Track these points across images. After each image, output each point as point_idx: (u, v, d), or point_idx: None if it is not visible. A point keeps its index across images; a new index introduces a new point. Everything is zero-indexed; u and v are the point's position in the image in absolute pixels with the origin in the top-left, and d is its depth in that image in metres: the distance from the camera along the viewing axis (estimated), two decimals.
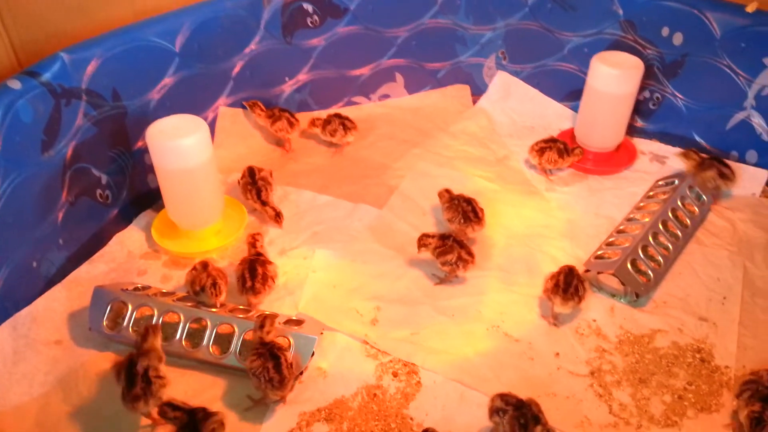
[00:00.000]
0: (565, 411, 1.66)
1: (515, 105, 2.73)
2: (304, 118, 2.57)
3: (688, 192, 2.20)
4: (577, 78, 2.60)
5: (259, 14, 2.39)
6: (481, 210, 2.11)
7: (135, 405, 1.54)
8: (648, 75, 2.42)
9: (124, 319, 1.76)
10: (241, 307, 1.85)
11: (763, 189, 2.32)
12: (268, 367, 1.59)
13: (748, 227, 2.17)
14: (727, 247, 2.10)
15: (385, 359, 1.78)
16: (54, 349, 1.79)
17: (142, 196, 2.25)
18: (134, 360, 1.56)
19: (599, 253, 2.02)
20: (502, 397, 1.53)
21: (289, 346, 1.69)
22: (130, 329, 1.76)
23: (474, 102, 2.79)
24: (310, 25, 2.52)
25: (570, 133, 2.57)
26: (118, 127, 2.13)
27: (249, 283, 1.85)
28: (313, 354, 1.74)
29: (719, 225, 2.19)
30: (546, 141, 2.40)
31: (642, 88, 2.44)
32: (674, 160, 2.41)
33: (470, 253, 1.95)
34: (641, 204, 2.22)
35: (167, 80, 2.23)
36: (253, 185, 2.18)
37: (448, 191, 2.17)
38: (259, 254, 1.95)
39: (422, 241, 1.98)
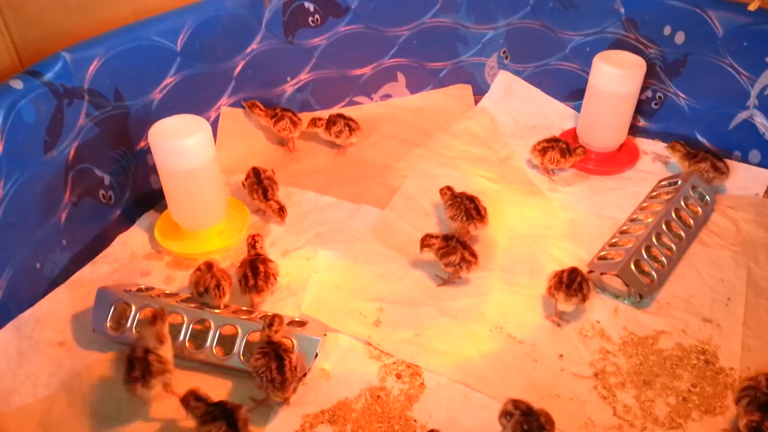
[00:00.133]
0: (569, 413, 1.66)
1: (517, 105, 2.73)
2: (306, 118, 2.56)
3: (691, 192, 2.20)
4: (579, 77, 2.59)
5: (260, 13, 2.39)
6: (484, 208, 2.11)
7: (133, 387, 1.56)
8: (650, 74, 2.42)
9: (127, 320, 1.76)
10: (244, 308, 1.85)
11: (766, 189, 2.31)
12: (272, 367, 1.59)
13: (752, 227, 2.17)
14: (730, 248, 2.10)
15: (389, 361, 1.78)
16: (57, 351, 1.79)
17: (144, 197, 2.25)
18: (134, 344, 1.59)
19: (602, 253, 2.02)
20: (515, 402, 1.52)
21: (293, 347, 1.69)
22: (134, 330, 1.76)
23: (476, 102, 2.79)
24: (311, 24, 2.51)
25: (572, 133, 2.57)
26: (120, 128, 2.13)
27: (252, 282, 1.85)
28: (316, 355, 1.74)
29: (722, 225, 2.19)
30: (548, 141, 2.39)
31: (644, 87, 2.43)
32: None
33: (473, 254, 1.95)
34: (644, 204, 2.22)
35: (169, 80, 2.23)
36: (260, 185, 2.17)
37: (449, 188, 2.17)
38: (259, 254, 1.95)
39: (425, 241, 1.97)
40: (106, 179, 2.12)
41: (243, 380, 1.71)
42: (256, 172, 2.21)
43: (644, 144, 2.54)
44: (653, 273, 1.95)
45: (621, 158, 2.48)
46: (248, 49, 2.42)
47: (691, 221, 2.14)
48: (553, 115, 2.69)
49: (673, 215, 2.11)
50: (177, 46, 2.21)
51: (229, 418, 1.49)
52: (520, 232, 2.17)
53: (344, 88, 2.70)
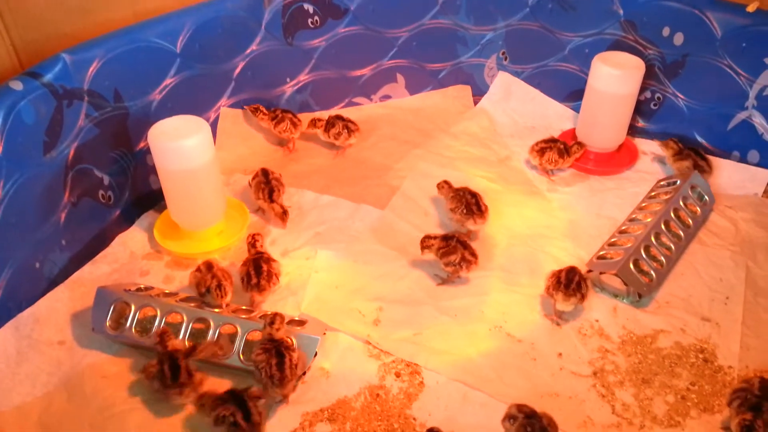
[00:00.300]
0: (568, 411, 1.66)
1: (516, 105, 2.74)
2: (305, 119, 2.57)
3: (690, 192, 2.20)
4: (578, 78, 2.60)
5: (259, 15, 2.40)
6: (485, 205, 2.12)
7: (175, 393, 1.60)
8: (649, 75, 2.42)
9: (127, 319, 1.76)
10: (243, 307, 1.85)
11: (765, 189, 2.32)
12: (272, 363, 1.60)
13: (751, 227, 2.17)
14: (729, 247, 2.10)
15: (388, 359, 1.78)
16: (57, 350, 1.79)
17: (144, 197, 2.26)
18: (176, 355, 1.62)
19: (601, 253, 2.02)
20: (519, 406, 1.51)
21: (294, 345, 1.69)
22: (133, 330, 1.76)
23: (475, 102, 2.80)
24: (310, 25, 2.52)
25: (571, 134, 2.57)
26: (119, 128, 2.13)
27: (254, 280, 1.86)
28: (315, 354, 1.74)
29: (721, 225, 2.19)
30: (546, 141, 2.40)
31: (643, 88, 2.44)
32: None
33: (473, 254, 1.95)
34: (643, 204, 2.22)
35: (169, 81, 2.23)
36: (267, 184, 2.18)
37: (447, 182, 2.19)
38: (261, 253, 1.95)
39: (425, 242, 1.98)
40: (106, 180, 2.13)
41: (243, 379, 1.71)
42: (264, 173, 2.21)
43: (643, 144, 2.54)
44: (652, 272, 1.95)
45: (620, 159, 2.49)
46: (248, 51, 2.43)
47: (690, 221, 2.14)
48: (552, 116, 2.70)
49: (672, 215, 2.11)
50: (177, 48, 2.22)
51: (238, 401, 1.52)
52: (520, 232, 2.18)
53: (344, 89, 2.71)
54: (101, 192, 2.12)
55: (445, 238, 1.97)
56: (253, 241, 1.98)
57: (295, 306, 1.90)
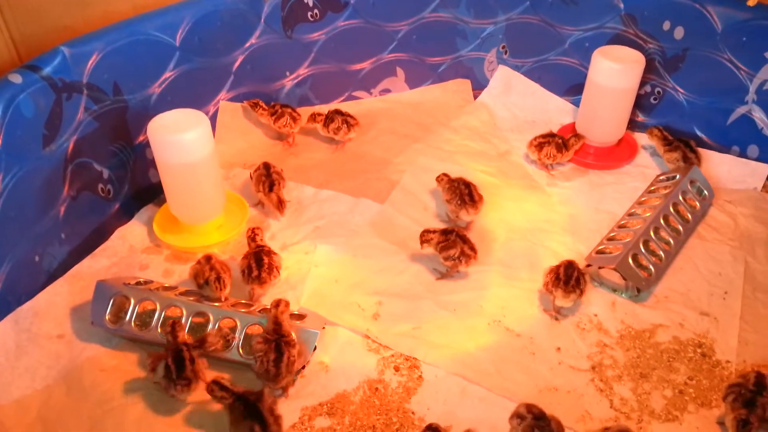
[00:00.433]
0: (567, 405, 1.66)
1: (516, 99, 2.73)
2: (304, 112, 2.57)
3: (689, 187, 2.20)
4: (579, 72, 2.60)
5: (259, 8, 2.39)
6: (479, 195, 2.12)
7: (188, 387, 1.60)
8: (649, 69, 2.42)
9: (126, 313, 1.77)
10: (243, 301, 1.86)
11: (764, 184, 2.32)
12: (270, 358, 1.61)
13: (750, 222, 2.17)
14: (728, 242, 2.10)
15: (387, 354, 1.78)
16: (56, 343, 1.79)
17: (143, 191, 2.25)
18: (181, 349, 1.61)
19: (600, 247, 2.02)
20: (528, 406, 1.51)
21: (295, 342, 1.69)
22: (133, 323, 1.76)
23: (475, 96, 2.79)
24: (310, 19, 2.51)
25: (571, 128, 2.56)
26: (119, 122, 2.13)
27: (255, 273, 1.86)
28: (315, 348, 1.75)
29: (720, 220, 2.19)
30: (544, 136, 2.40)
31: (643, 82, 2.44)
32: None
33: (473, 248, 1.95)
34: (642, 199, 2.22)
35: (168, 74, 2.23)
36: (268, 177, 2.18)
37: (446, 175, 2.20)
38: (261, 246, 1.95)
39: (424, 236, 1.98)
40: (105, 173, 2.13)
41: (242, 372, 1.71)
42: (266, 166, 2.21)
43: (643, 139, 2.54)
44: (651, 267, 1.96)
45: (620, 153, 2.48)
46: (247, 44, 2.42)
47: (689, 216, 2.14)
48: (552, 110, 2.69)
49: (671, 210, 2.11)
50: (176, 41, 2.21)
51: (255, 414, 1.51)
52: (519, 227, 2.18)
53: (343, 83, 2.70)
54: (100, 185, 2.11)
55: (445, 232, 1.97)
56: (253, 235, 1.98)
57: (295, 300, 1.90)
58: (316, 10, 2.50)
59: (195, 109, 2.02)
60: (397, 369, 1.75)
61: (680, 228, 2.10)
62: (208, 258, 1.89)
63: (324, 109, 2.56)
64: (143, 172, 2.26)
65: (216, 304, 1.79)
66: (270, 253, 1.92)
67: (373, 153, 2.51)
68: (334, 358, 1.77)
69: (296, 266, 2.02)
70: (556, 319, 1.88)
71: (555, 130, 2.50)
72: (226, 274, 1.85)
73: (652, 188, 2.26)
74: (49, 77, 1.88)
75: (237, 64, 2.43)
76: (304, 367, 1.73)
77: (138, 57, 2.12)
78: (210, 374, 1.70)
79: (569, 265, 1.86)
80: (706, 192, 2.23)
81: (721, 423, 1.61)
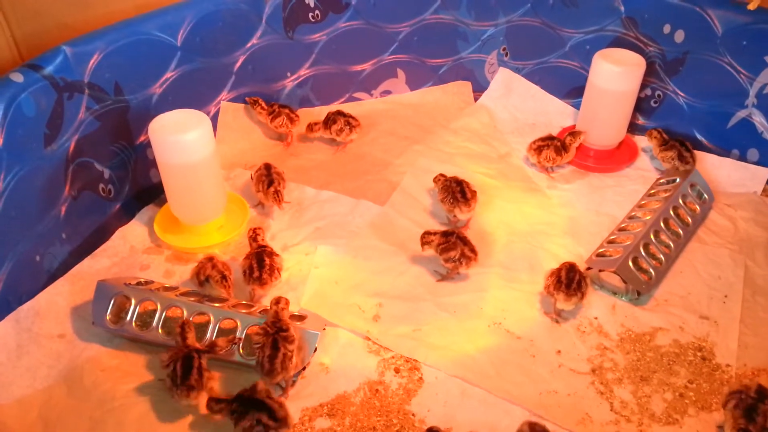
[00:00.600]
0: (566, 408, 1.66)
1: (517, 102, 2.74)
2: (305, 114, 2.57)
3: (689, 190, 2.21)
4: (579, 75, 2.60)
5: (260, 9, 2.39)
6: (472, 192, 2.13)
7: (188, 394, 1.58)
8: (649, 72, 2.43)
9: (127, 313, 1.77)
10: (244, 302, 1.86)
11: (764, 187, 2.32)
12: (265, 353, 1.62)
13: (750, 226, 2.18)
14: (728, 246, 2.11)
15: (387, 355, 1.79)
16: (57, 343, 1.79)
17: (144, 191, 2.25)
18: (192, 354, 1.61)
19: (601, 250, 2.03)
20: (531, 425, 1.50)
21: (295, 339, 1.69)
22: (133, 324, 1.76)
23: (475, 98, 2.80)
24: (311, 19, 2.51)
25: (571, 130, 2.56)
26: (120, 122, 2.13)
27: (256, 273, 1.86)
28: (315, 349, 1.75)
29: (720, 223, 2.20)
30: (543, 139, 2.40)
31: (643, 85, 2.44)
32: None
33: (473, 250, 1.95)
34: (643, 202, 2.22)
35: (169, 74, 2.23)
36: (268, 177, 2.18)
37: (442, 175, 2.21)
38: (263, 246, 1.95)
39: (425, 238, 1.98)
40: (106, 173, 2.12)
41: (242, 374, 1.71)
42: (267, 167, 2.22)
43: (643, 142, 2.54)
44: (651, 270, 1.96)
45: (620, 156, 2.49)
46: (248, 44, 2.42)
47: (689, 219, 2.15)
48: (553, 113, 2.70)
49: (672, 213, 2.12)
50: (177, 41, 2.21)
51: (255, 404, 1.52)
52: (519, 229, 2.18)
53: (344, 84, 2.70)
54: (101, 185, 2.11)
55: (445, 234, 1.97)
56: (254, 235, 1.98)
57: (295, 301, 1.90)
58: (317, 11, 2.50)
59: (196, 110, 2.02)
60: (397, 371, 1.75)
61: (680, 231, 2.10)
62: (210, 258, 1.90)
63: (323, 111, 2.56)
64: (144, 173, 2.26)
65: (216, 304, 1.79)
66: (272, 254, 1.92)
67: (373, 154, 2.51)
68: (334, 359, 1.77)
69: (297, 267, 2.03)
70: (557, 321, 1.88)
71: (555, 133, 2.50)
72: (229, 272, 1.86)
73: (653, 191, 2.27)
74: (50, 76, 1.88)
75: (238, 64, 2.43)
76: (304, 368, 1.73)
77: (139, 57, 2.12)
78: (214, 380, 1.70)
79: (571, 268, 1.87)
80: (706, 195, 2.23)
81: (720, 427, 1.61)
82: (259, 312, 1.78)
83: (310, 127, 2.51)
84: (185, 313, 1.76)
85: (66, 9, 2.06)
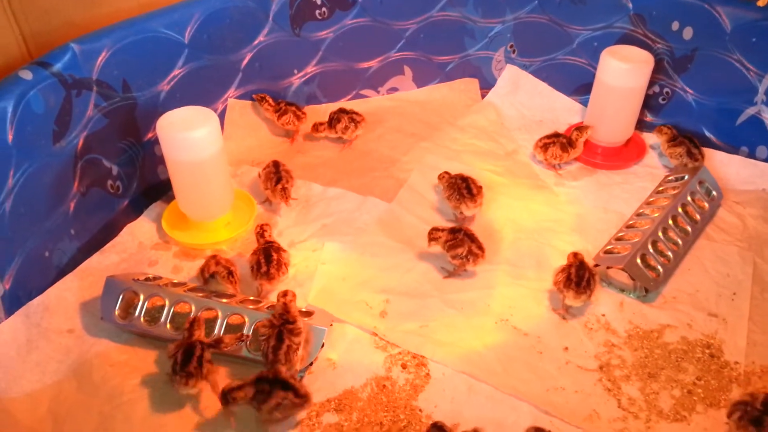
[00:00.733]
0: (574, 405, 1.66)
1: (524, 99, 2.73)
2: (311, 111, 2.57)
3: (698, 187, 2.20)
4: (587, 72, 2.59)
5: (267, 6, 2.39)
6: (478, 188, 2.13)
7: (186, 382, 1.59)
8: (658, 69, 2.42)
9: (135, 308, 1.77)
10: (251, 298, 1.86)
11: None
12: (270, 343, 1.63)
13: (759, 223, 2.17)
14: (737, 243, 2.10)
15: (394, 351, 1.79)
16: (66, 338, 1.80)
17: (152, 188, 2.26)
18: (195, 344, 1.62)
19: (608, 247, 2.02)
20: (537, 430, 1.50)
21: (301, 332, 1.70)
22: (142, 319, 1.77)
23: (482, 96, 2.79)
24: (318, 17, 2.51)
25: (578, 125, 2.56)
26: (128, 118, 2.14)
27: (264, 268, 1.87)
28: (323, 345, 1.75)
29: (729, 221, 2.19)
30: (549, 137, 2.40)
31: (651, 82, 2.43)
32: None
33: (481, 247, 1.95)
34: (651, 199, 2.22)
35: (177, 72, 2.24)
36: (276, 174, 2.19)
37: (447, 173, 2.20)
38: (271, 242, 1.96)
39: (432, 235, 1.98)
40: (114, 170, 2.13)
41: (250, 368, 1.71)
42: (276, 164, 2.22)
43: (651, 139, 2.53)
44: (659, 267, 1.95)
45: (628, 153, 2.48)
46: (255, 42, 2.43)
47: (698, 216, 2.14)
48: (560, 110, 2.69)
49: (680, 210, 2.11)
50: (185, 38, 2.22)
51: (281, 384, 1.54)
52: (527, 226, 2.18)
53: (351, 81, 2.70)
54: (110, 182, 2.12)
55: (453, 231, 1.97)
56: (261, 231, 1.99)
57: (302, 297, 1.91)
58: (324, 8, 2.50)
59: (204, 107, 2.03)
60: (404, 366, 1.75)
61: (689, 228, 2.09)
62: (214, 255, 1.93)
63: (330, 108, 2.56)
64: (152, 169, 2.27)
65: (224, 300, 1.80)
66: (279, 249, 1.93)
67: (380, 151, 2.51)
68: (341, 355, 1.77)
69: (304, 263, 2.03)
70: (564, 318, 1.88)
71: (562, 130, 2.50)
72: (234, 268, 1.88)
73: (661, 188, 2.26)
74: (59, 73, 1.89)
75: (245, 61, 2.43)
76: (311, 364, 1.73)
77: (147, 54, 2.12)
78: (218, 370, 1.71)
79: (580, 266, 1.86)
80: (714, 193, 2.23)
81: (728, 424, 1.61)
82: (267, 308, 1.79)
83: (316, 127, 2.51)
84: (193, 308, 1.77)
85: (74, 7, 2.06)
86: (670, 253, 2.00)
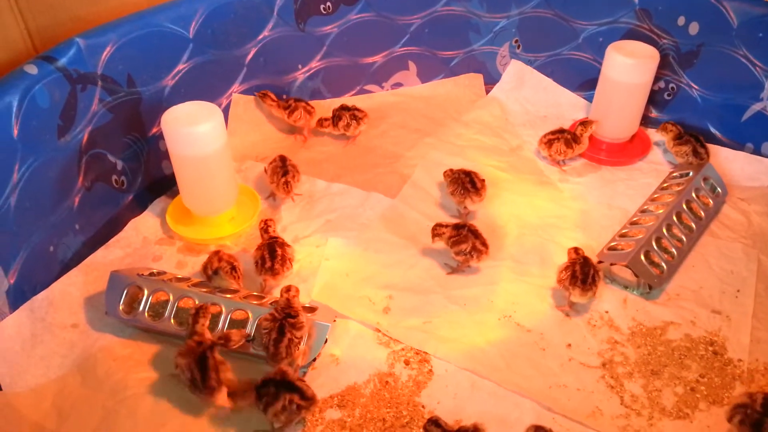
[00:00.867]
0: (577, 402, 1.66)
1: (529, 94, 2.72)
2: (316, 106, 2.56)
3: (702, 184, 2.19)
4: (592, 67, 2.58)
5: (272, 1, 2.39)
6: (482, 182, 2.13)
7: (212, 395, 1.57)
8: (663, 65, 2.41)
9: (139, 303, 1.78)
10: (255, 293, 1.87)
11: None
12: (271, 337, 1.64)
13: (763, 220, 2.16)
14: (741, 240, 2.09)
15: (397, 347, 1.79)
16: (71, 333, 1.81)
17: (157, 182, 2.27)
18: (205, 354, 1.59)
19: (612, 244, 2.02)
20: (537, 429, 1.50)
21: (304, 326, 1.70)
22: (146, 314, 1.78)
23: (487, 91, 2.78)
24: (323, 12, 2.51)
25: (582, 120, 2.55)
26: (133, 113, 2.14)
27: (268, 264, 1.87)
28: (326, 341, 1.76)
29: (734, 217, 2.18)
30: (553, 132, 2.39)
31: (657, 78, 2.42)
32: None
33: (484, 244, 1.95)
34: (655, 195, 2.21)
35: (181, 66, 2.23)
36: (282, 168, 2.19)
37: (451, 170, 2.21)
38: (275, 237, 1.96)
39: (436, 230, 1.98)
40: (119, 164, 2.14)
41: (254, 364, 1.73)
42: (282, 159, 2.23)
43: (656, 135, 2.52)
44: (663, 264, 1.95)
45: (633, 149, 2.47)
46: (260, 37, 2.42)
47: (702, 213, 2.13)
48: (565, 105, 2.68)
49: (684, 207, 2.11)
50: (189, 33, 2.21)
51: (287, 386, 1.54)
52: (531, 222, 2.18)
53: (355, 77, 2.70)
54: (114, 177, 2.13)
55: (456, 227, 1.97)
56: (265, 227, 1.99)
57: (306, 293, 1.91)
58: (328, 3, 2.50)
59: (208, 102, 2.03)
60: (407, 363, 1.76)
61: (693, 225, 2.09)
62: (216, 252, 1.93)
63: (335, 103, 2.56)
64: (156, 164, 2.27)
65: (228, 295, 1.80)
66: (283, 244, 1.93)
67: (384, 147, 2.51)
68: (344, 350, 1.78)
69: (307, 259, 2.03)
70: (568, 315, 1.87)
71: (567, 126, 2.49)
72: (238, 263, 1.88)
73: (665, 185, 2.25)
74: (64, 68, 1.89)
75: (250, 56, 2.43)
76: (315, 360, 1.74)
77: (152, 49, 2.12)
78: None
79: (585, 262, 1.86)
80: (719, 189, 2.22)
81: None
82: (270, 303, 1.79)
83: (320, 123, 2.51)
84: (197, 304, 1.77)
85: (79, 1, 2.06)
86: (674, 250, 2.00)
